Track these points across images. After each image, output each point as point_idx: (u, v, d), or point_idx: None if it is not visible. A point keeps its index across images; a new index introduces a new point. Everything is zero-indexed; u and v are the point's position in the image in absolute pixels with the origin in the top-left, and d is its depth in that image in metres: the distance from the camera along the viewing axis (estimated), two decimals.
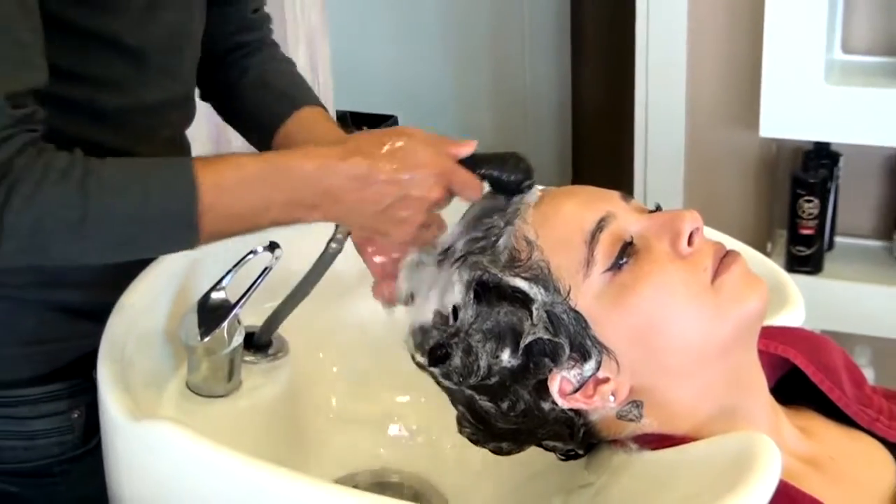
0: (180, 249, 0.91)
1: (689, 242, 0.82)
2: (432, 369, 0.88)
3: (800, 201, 1.95)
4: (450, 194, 0.90)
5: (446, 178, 0.89)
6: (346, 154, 0.88)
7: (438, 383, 0.90)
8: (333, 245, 0.99)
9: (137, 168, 0.89)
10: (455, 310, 0.85)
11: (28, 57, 0.85)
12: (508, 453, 0.91)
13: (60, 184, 0.83)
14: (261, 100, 1.17)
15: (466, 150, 0.91)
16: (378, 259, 0.98)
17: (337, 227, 0.98)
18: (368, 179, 0.87)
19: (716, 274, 0.82)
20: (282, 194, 0.88)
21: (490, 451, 0.91)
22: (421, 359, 0.89)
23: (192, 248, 0.89)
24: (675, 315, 0.80)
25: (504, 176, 0.90)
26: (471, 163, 0.91)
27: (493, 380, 0.85)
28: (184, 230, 0.86)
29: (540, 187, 0.90)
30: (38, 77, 0.86)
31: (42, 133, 0.85)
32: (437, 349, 0.87)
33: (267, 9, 1.25)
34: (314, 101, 1.16)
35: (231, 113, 1.21)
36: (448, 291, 0.87)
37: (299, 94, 1.17)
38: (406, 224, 0.89)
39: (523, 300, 0.83)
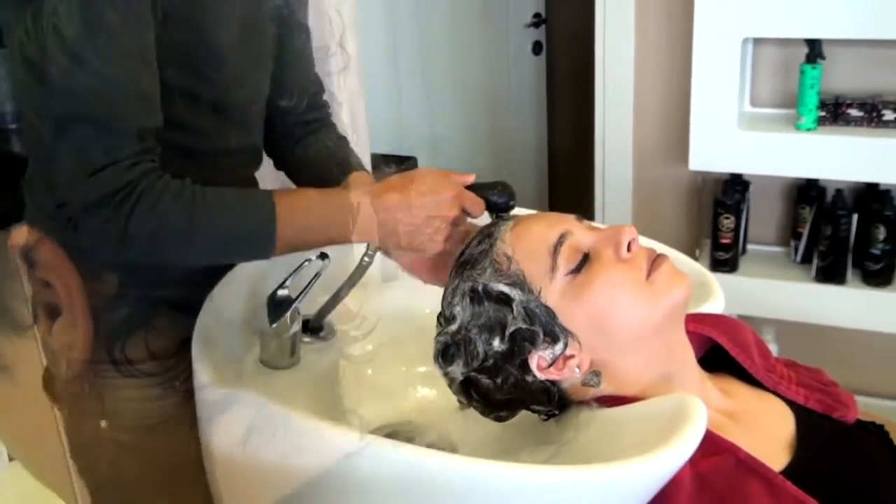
0: (260, 257, 0.90)
1: (628, 249, 0.81)
2: (448, 369, 0.87)
3: (720, 218, 1.94)
4: (463, 213, 0.91)
5: (460, 200, 0.90)
6: (382, 191, 0.89)
7: (450, 379, 0.89)
8: (366, 259, 0.99)
9: (232, 193, 0.88)
10: (456, 312, 0.85)
11: (151, 104, 0.85)
12: (506, 419, 0.90)
13: (174, 201, 0.83)
14: (320, 170, 1.12)
15: (469, 179, 0.92)
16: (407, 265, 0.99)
17: (367, 246, 0.98)
18: (401, 208, 0.88)
19: (649, 272, 0.81)
20: (337, 219, 0.88)
21: (493, 419, 0.90)
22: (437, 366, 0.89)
23: (268, 257, 0.88)
24: (619, 305, 0.80)
25: (495, 198, 0.91)
26: (470, 189, 0.92)
27: (489, 362, 0.85)
28: (264, 240, 0.86)
29: (521, 211, 0.90)
30: (158, 120, 0.86)
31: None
32: (445, 350, 0.87)
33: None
34: (360, 167, 1.12)
35: (298, 179, 1.16)
36: (450, 300, 0.87)
37: (349, 164, 1.12)
38: (434, 240, 0.90)
39: (506, 300, 0.83)
